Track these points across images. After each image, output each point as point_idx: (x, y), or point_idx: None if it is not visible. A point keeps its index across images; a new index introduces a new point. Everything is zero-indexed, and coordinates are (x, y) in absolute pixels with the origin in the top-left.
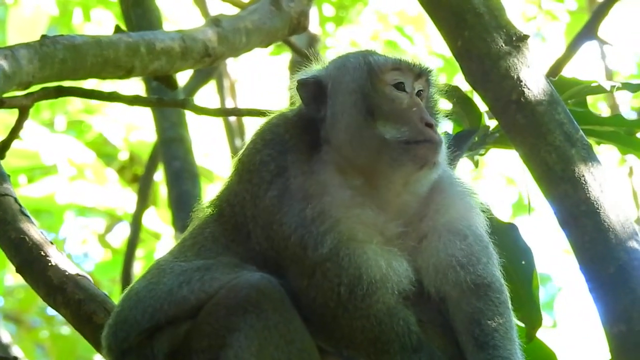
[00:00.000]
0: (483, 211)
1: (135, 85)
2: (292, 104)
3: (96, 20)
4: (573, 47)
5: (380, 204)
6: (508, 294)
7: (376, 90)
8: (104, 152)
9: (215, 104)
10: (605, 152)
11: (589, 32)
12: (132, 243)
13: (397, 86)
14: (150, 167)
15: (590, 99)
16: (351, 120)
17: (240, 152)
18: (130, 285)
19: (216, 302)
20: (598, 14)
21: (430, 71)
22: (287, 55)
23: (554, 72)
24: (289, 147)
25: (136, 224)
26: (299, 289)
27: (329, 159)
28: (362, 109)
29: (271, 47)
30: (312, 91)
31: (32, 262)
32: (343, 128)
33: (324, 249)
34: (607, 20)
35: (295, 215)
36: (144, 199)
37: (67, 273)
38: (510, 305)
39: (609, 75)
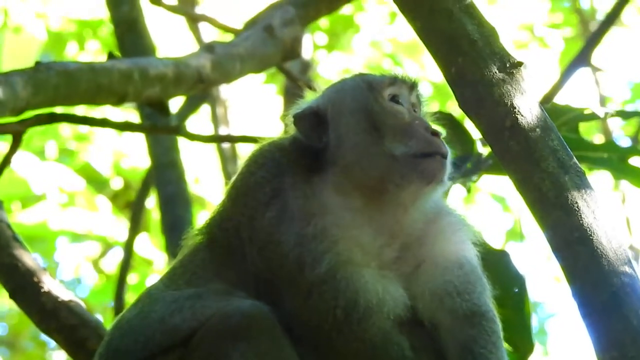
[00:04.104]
0: (475, 244)
1: (124, 113)
2: (285, 132)
3: (88, 49)
4: (567, 74)
5: (378, 228)
6: (500, 325)
7: (379, 106)
8: (97, 179)
9: (208, 130)
10: (598, 178)
11: (582, 59)
12: (124, 269)
13: (395, 101)
14: (143, 193)
15: (583, 126)
16: (358, 139)
17: (233, 178)
18: (121, 313)
19: (207, 330)
20: (592, 42)
21: (418, 82)
22: (280, 82)
23: (548, 99)
24: (284, 170)
25: (128, 249)
26: (294, 310)
27: (330, 180)
28: (367, 127)
29: (265, 74)
30: (310, 122)
31: (25, 288)
32: (350, 149)
33: (322, 268)
34: (600, 46)
35: (294, 234)
36: (136, 224)
37: (60, 299)
38: (502, 336)
39: (603, 101)
